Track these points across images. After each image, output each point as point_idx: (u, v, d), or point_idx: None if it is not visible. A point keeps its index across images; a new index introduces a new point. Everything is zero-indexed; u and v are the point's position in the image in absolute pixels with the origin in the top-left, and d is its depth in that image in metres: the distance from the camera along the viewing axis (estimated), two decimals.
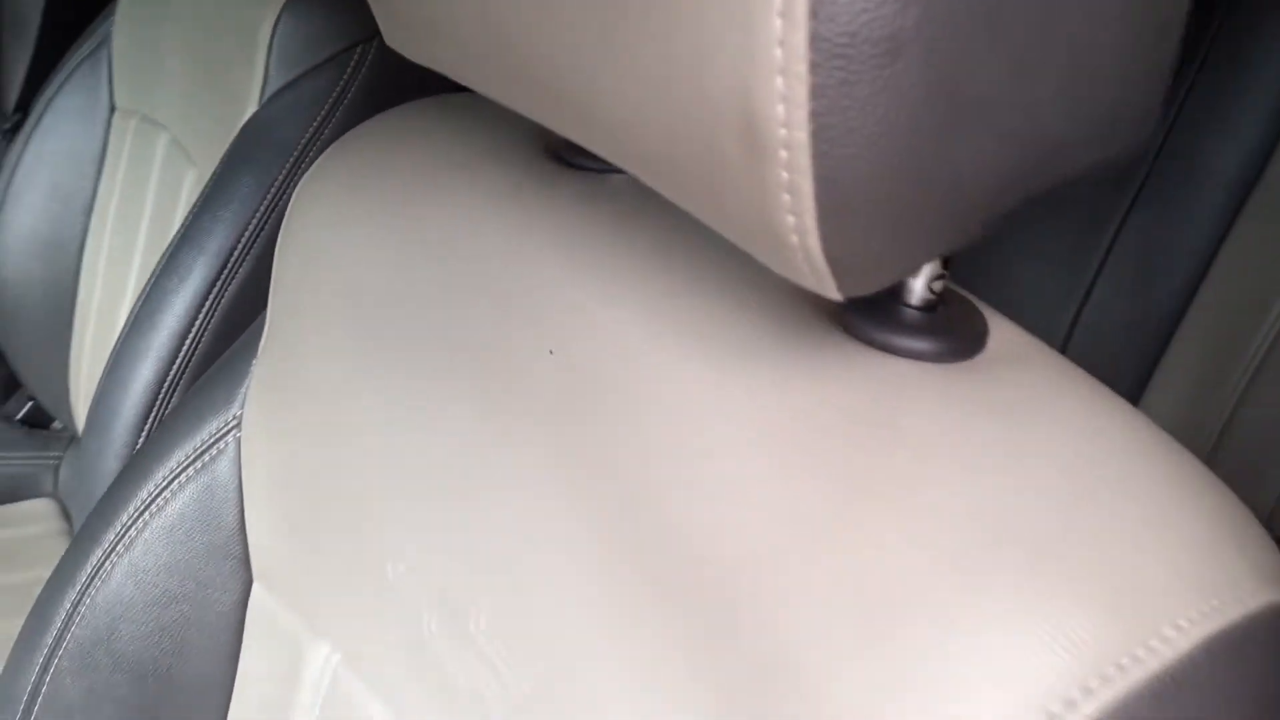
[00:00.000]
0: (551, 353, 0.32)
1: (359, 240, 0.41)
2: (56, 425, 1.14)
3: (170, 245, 0.75)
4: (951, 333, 0.29)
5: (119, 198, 0.97)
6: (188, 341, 0.71)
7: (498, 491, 0.33)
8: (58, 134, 0.99)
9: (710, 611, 0.26)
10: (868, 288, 0.23)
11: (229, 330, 0.73)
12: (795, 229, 0.20)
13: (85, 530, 0.50)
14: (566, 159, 0.39)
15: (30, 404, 1.14)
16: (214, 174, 0.76)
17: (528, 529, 0.32)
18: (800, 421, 0.26)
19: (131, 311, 0.75)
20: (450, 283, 0.36)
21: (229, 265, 0.71)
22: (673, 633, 0.27)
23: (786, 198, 0.20)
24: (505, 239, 0.36)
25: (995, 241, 0.91)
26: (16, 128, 1.03)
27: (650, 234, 0.34)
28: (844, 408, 0.27)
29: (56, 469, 1.06)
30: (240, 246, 0.72)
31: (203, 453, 0.48)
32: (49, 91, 0.99)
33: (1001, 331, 0.30)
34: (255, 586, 0.48)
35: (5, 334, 1.07)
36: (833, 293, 0.22)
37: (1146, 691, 0.21)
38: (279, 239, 0.46)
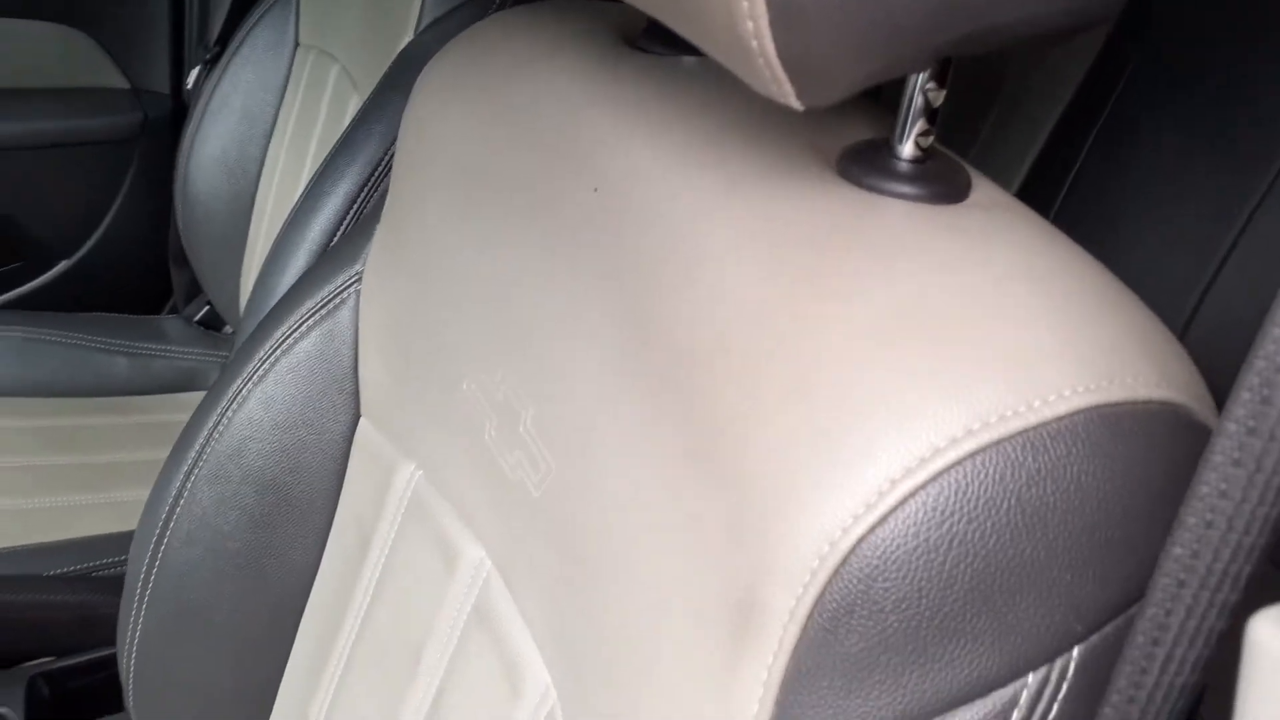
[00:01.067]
0: (596, 190, 0.37)
1: (466, 119, 0.48)
2: (228, 329, 1.29)
3: (329, 155, 0.85)
4: (934, 182, 0.33)
5: (295, 122, 1.09)
6: (336, 237, 0.81)
7: (549, 309, 0.39)
8: (250, 65, 1.12)
9: (685, 391, 0.31)
10: (824, 98, 0.27)
11: None
12: (754, 34, 0.25)
13: (230, 365, 0.59)
14: (643, 46, 0.44)
15: (207, 308, 1.29)
16: (370, 94, 0.85)
17: (567, 339, 0.38)
18: (783, 234, 0.31)
19: (291, 212, 0.86)
20: (536, 145, 0.42)
21: (376, 172, 0.81)
22: (661, 406, 0.32)
23: (745, 5, 0.25)
24: (581, 110, 0.42)
25: (1121, 216, 0.90)
26: (216, 59, 1.17)
27: (705, 104, 0.39)
28: (823, 225, 0.31)
29: (223, 366, 1.20)
30: (387, 156, 0.81)
31: (328, 301, 0.56)
32: (245, 28, 1.12)
33: (984, 188, 0.33)
34: (362, 420, 0.56)
35: (191, 243, 1.21)
36: (793, 101, 0.27)
37: (1022, 439, 0.25)
38: (403, 120, 0.53)
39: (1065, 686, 0.26)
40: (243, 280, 1.13)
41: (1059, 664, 0.26)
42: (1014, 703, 0.26)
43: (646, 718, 0.32)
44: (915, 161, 0.33)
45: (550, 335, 0.39)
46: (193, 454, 0.59)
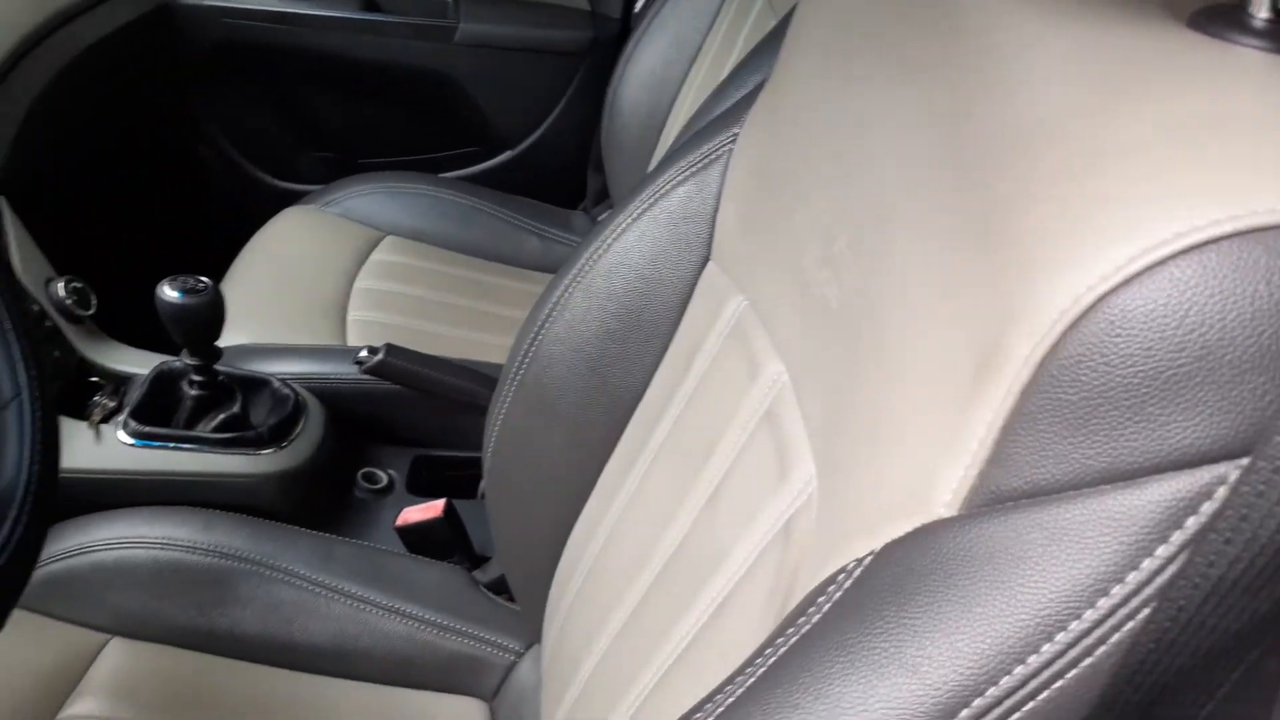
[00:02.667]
0: (950, 31, 0.41)
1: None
2: None
3: (731, 70, 0.95)
4: None
5: (716, 49, 1.20)
6: None
7: (883, 139, 0.44)
8: None
9: (981, 172, 0.35)
10: None
11: None
12: None
13: (619, 203, 0.70)
14: None
15: (609, 212, 1.46)
16: (782, 17, 0.93)
17: (889, 156, 0.42)
18: (1112, 52, 0.34)
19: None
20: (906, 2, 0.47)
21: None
22: (959, 188, 0.36)
23: None
24: None
25: None
26: None
27: None
28: (1151, 49, 0.33)
29: None
30: None
31: (704, 158, 0.65)
32: None
33: None
34: (710, 263, 0.64)
35: (608, 151, 1.38)
36: None
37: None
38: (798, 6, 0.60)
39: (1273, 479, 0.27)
40: None
41: (1271, 453, 0.27)
42: (1220, 481, 0.27)
43: (884, 476, 0.37)
44: (1270, 20, 0.34)
45: (878, 158, 0.43)
46: (575, 269, 0.70)
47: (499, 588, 0.86)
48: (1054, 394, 0.29)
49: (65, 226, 1.08)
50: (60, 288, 0.96)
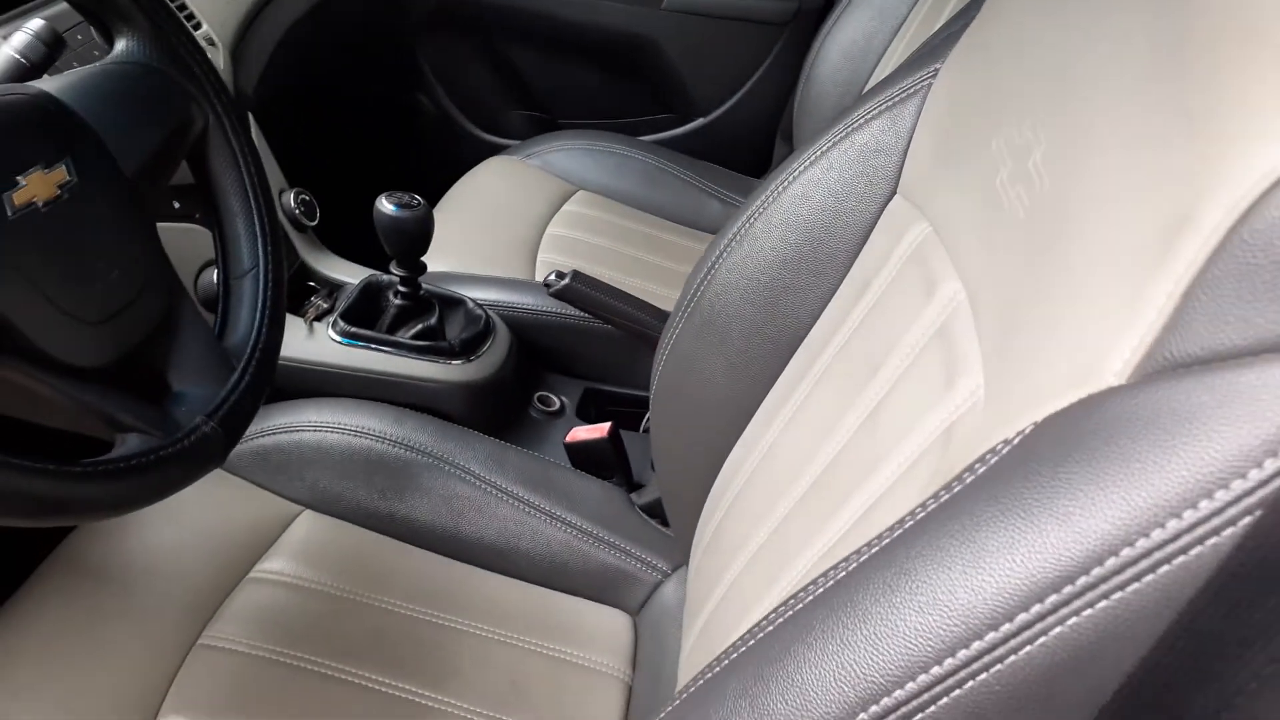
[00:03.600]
0: None
1: None
2: None
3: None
4: None
5: (920, 22, 1.19)
6: None
7: (1086, 55, 0.44)
8: None
9: (1189, 57, 0.35)
10: None
11: None
12: None
13: (811, 136, 0.72)
14: None
15: None
16: None
17: (1097, 73, 0.43)
18: None
19: None
20: None
21: None
22: (1162, 75, 0.36)
23: None
24: None
25: None
26: None
27: None
28: None
29: None
30: None
31: (903, 92, 0.65)
32: None
33: None
34: (896, 197, 0.65)
35: (798, 120, 1.39)
36: None
37: None
38: None
39: None
40: None
41: None
42: None
43: (1053, 354, 0.37)
44: None
45: (1087, 70, 0.44)
46: (759, 201, 0.73)
47: (653, 511, 0.89)
48: (1242, 259, 0.30)
49: (299, 147, 1.20)
50: (291, 198, 1.07)
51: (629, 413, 1.08)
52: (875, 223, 0.66)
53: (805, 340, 0.69)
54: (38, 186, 0.54)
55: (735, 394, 0.74)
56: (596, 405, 1.11)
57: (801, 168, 0.70)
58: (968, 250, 0.52)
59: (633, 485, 0.95)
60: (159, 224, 0.66)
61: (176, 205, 0.94)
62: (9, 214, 0.52)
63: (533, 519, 0.87)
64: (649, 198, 1.42)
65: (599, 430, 0.93)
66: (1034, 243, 0.43)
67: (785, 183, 0.71)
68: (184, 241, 0.93)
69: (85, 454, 0.54)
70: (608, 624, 0.85)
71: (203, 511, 0.85)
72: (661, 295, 1.20)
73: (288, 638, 0.76)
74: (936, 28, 1.14)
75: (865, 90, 1.25)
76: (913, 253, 0.59)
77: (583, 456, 0.94)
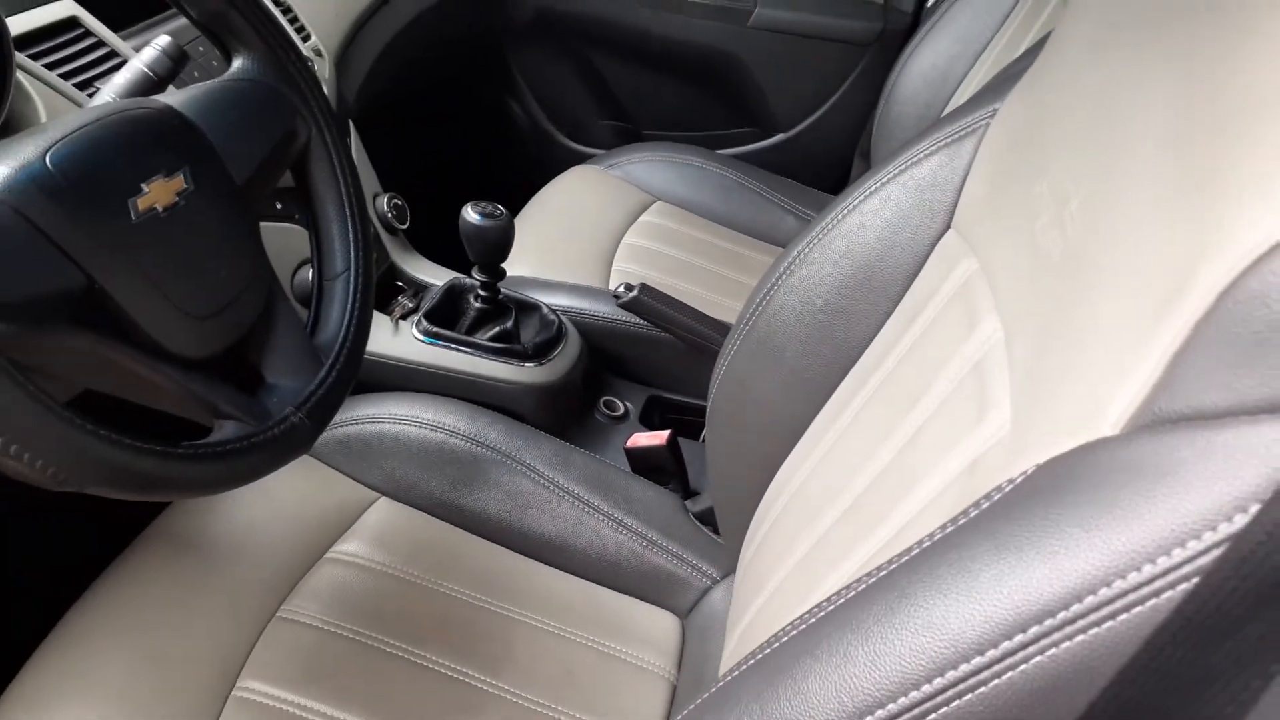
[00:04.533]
0: (1208, 9, 0.43)
1: None
2: None
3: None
4: None
5: (1002, 48, 1.20)
6: None
7: (1121, 111, 0.46)
8: None
9: (1208, 125, 0.37)
10: None
11: None
12: None
13: (872, 169, 0.75)
14: None
15: None
16: None
17: (1128, 130, 0.45)
18: None
19: None
20: None
21: None
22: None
23: None
24: None
25: None
26: None
27: None
28: None
29: None
30: None
31: (962, 130, 0.68)
32: None
33: None
34: (950, 231, 0.67)
35: (875, 141, 1.40)
36: None
37: None
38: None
39: None
40: None
41: None
42: None
43: (1063, 400, 0.40)
44: None
45: (1120, 127, 0.46)
46: (819, 228, 0.76)
47: (706, 519, 0.93)
48: (1228, 325, 0.32)
49: (394, 151, 1.27)
50: (384, 202, 1.13)
51: (690, 421, 1.11)
52: (929, 255, 0.68)
53: (857, 364, 0.72)
54: (159, 193, 0.61)
55: (787, 413, 0.77)
56: (659, 412, 1.15)
57: (861, 198, 0.73)
58: (1007, 290, 0.54)
59: (688, 492, 0.98)
60: (260, 223, 0.72)
61: (279, 206, 1.01)
62: (133, 218, 0.58)
63: (591, 518, 0.91)
64: (725, 211, 1.45)
65: (658, 437, 0.97)
66: (1062, 290, 0.45)
67: (845, 211, 0.74)
68: (283, 240, 1.00)
69: (185, 437, 0.60)
70: (657, 624, 0.89)
71: (287, 494, 0.91)
72: (730, 308, 1.23)
73: (358, 616, 0.82)
74: (1017, 54, 1.16)
75: (941, 116, 1.26)
76: (960, 288, 0.61)
77: (642, 462, 0.98)
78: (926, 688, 0.35)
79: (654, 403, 1.15)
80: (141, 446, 0.55)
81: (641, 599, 0.91)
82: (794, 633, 0.43)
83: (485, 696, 0.79)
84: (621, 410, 1.12)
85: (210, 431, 0.63)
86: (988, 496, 0.39)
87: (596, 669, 0.83)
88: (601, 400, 1.13)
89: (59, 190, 0.54)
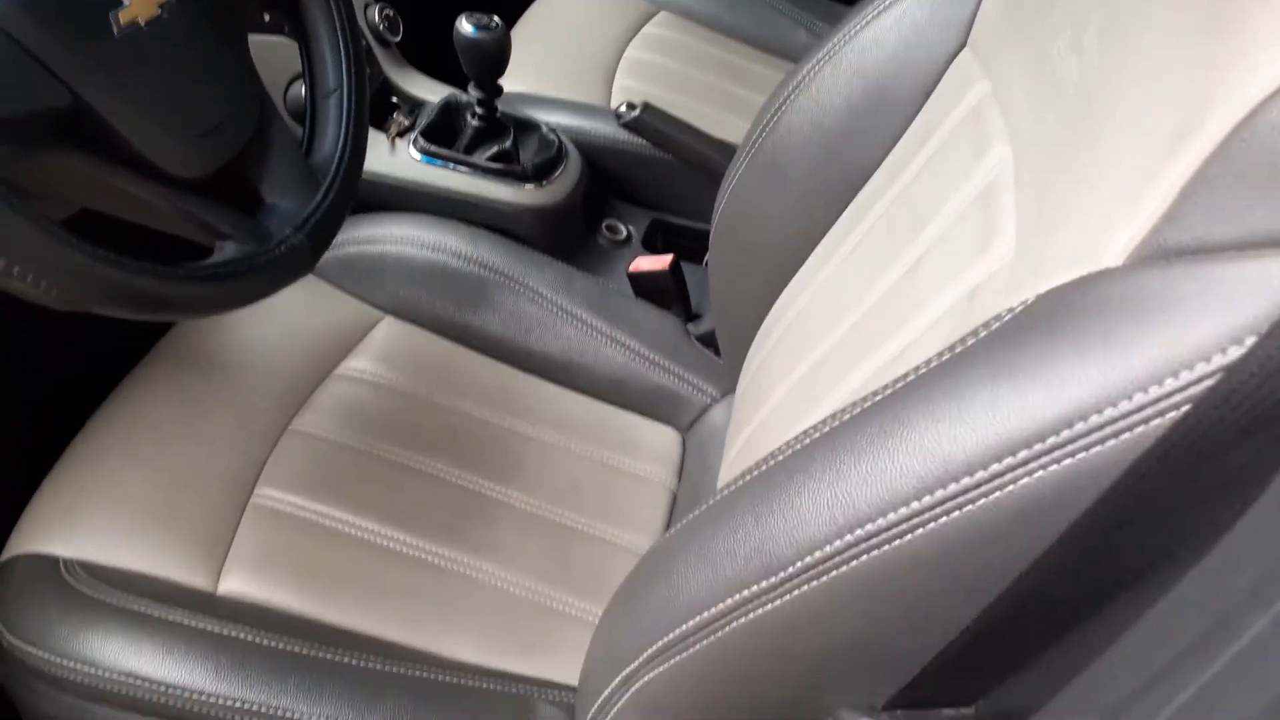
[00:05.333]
0: None
1: None
2: None
3: None
4: None
5: None
6: None
7: None
8: None
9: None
10: None
11: None
12: None
13: None
14: None
15: None
16: None
17: None
18: None
19: None
20: None
21: None
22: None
23: None
24: None
25: None
26: None
27: None
28: None
29: None
30: None
31: None
32: None
33: None
34: (964, 50, 0.65)
35: None
36: None
37: None
38: None
39: None
40: None
41: None
42: None
43: (1067, 231, 0.39)
44: None
45: None
46: (829, 45, 0.73)
47: (707, 341, 0.94)
48: (1239, 159, 0.31)
49: None
50: (375, 13, 1.08)
51: (693, 246, 1.11)
52: (942, 74, 0.66)
53: (865, 186, 0.71)
54: (140, 6, 0.58)
55: (794, 233, 0.77)
56: (662, 235, 1.14)
57: (876, 12, 0.70)
58: (1019, 114, 0.52)
59: (690, 315, 0.99)
60: (250, 36, 0.69)
61: (267, 18, 0.97)
62: (115, 32, 0.56)
63: (595, 340, 0.93)
64: (733, 22, 1.38)
65: (661, 261, 0.97)
66: (1076, 117, 0.44)
67: (857, 27, 0.71)
68: (274, 55, 0.96)
69: (190, 259, 0.60)
70: (659, 438, 0.92)
71: (294, 313, 0.92)
72: (737, 126, 1.19)
73: (368, 429, 0.84)
74: None
75: None
76: (971, 111, 0.59)
77: (644, 286, 0.98)
78: (915, 504, 0.37)
79: (657, 226, 1.14)
80: (141, 266, 0.55)
81: (644, 415, 0.93)
82: (790, 452, 0.44)
83: (494, 504, 0.82)
84: (624, 234, 1.11)
85: (211, 253, 0.63)
86: (986, 325, 0.39)
87: (601, 479, 0.87)
88: (603, 223, 1.11)
89: (38, 4, 0.51)
